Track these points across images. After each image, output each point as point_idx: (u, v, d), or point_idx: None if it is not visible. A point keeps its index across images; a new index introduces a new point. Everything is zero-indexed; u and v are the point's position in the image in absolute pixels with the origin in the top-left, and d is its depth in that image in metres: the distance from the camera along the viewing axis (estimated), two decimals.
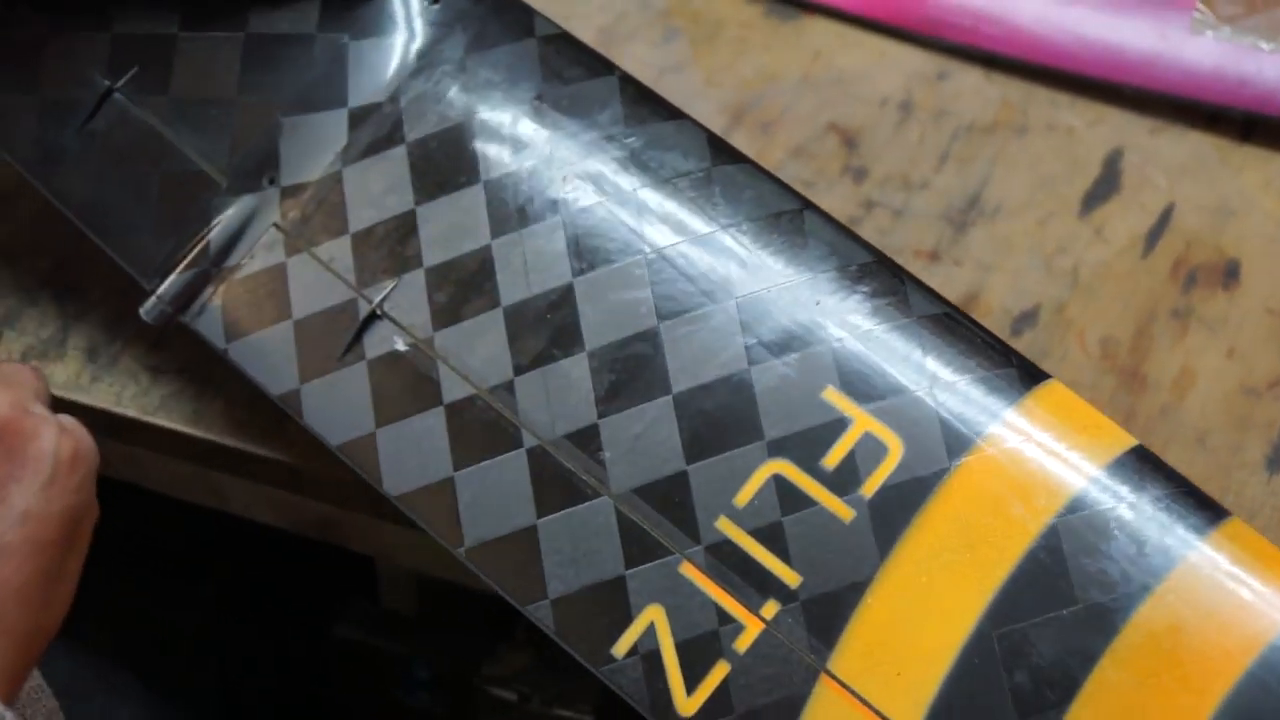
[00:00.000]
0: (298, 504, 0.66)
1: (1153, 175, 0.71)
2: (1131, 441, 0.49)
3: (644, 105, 0.57)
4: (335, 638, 0.88)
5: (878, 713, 0.48)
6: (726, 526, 0.51)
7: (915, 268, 0.63)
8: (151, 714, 0.71)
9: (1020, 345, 0.62)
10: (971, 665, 0.48)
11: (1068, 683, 0.47)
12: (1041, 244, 0.69)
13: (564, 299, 0.55)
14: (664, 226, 0.55)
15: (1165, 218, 0.70)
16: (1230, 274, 0.68)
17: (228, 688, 0.91)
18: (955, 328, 0.52)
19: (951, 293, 0.65)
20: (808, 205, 0.55)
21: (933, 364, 0.51)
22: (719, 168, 0.55)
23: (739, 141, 0.71)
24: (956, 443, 0.50)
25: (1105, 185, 0.72)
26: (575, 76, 0.58)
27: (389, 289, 0.57)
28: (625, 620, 0.51)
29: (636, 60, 0.76)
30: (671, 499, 0.52)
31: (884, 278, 0.53)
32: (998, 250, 0.69)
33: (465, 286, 0.56)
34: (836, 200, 0.70)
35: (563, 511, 0.53)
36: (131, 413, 0.66)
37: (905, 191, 0.71)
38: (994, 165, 0.72)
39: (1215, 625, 0.46)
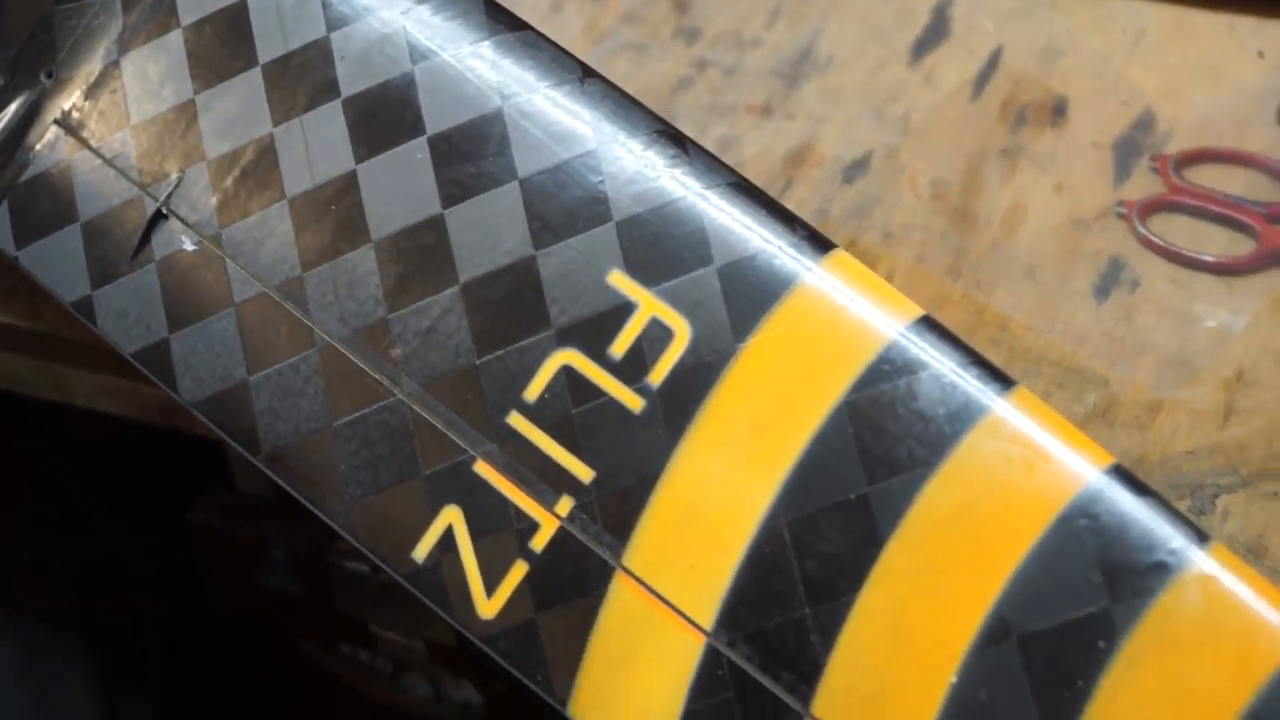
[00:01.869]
0: (138, 391, 0.65)
1: (981, 21, 0.69)
2: (918, 311, 0.47)
3: None
4: (191, 525, 0.88)
5: (672, 607, 0.47)
6: (518, 422, 0.50)
7: (747, 123, 0.62)
8: (6, 624, 0.71)
9: (852, 193, 0.61)
10: (763, 555, 0.47)
11: (858, 569, 0.46)
12: (872, 93, 0.67)
13: (347, 188, 0.53)
14: (442, 106, 0.52)
15: (994, 61, 0.68)
16: (1058, 112, 0.66)
17: (89, 589, 0.91)
18: (743, 198, 0.49)
19: (783, 145, 0.63)
20: (589, 74, 0.52)
21: (718, 240, 0.49)
22: (497, 38, 0.52)
23: (571, 9, 0.69)
24: (743, 323, 0.48)
25: (934, 33, 0.70)
26: None
27: (173, 185, 0.55)
28: (424, 523, 0.50)
29: None
30: (464, 395, 0.50)
31: (669, 148, 0.50)
32: (829, 102, 0.68)
33: (249, 178, 0.54)
34: (669, 62, 0.69)
35: (357, 413, 0.51)
36: None
37: (737, 50, 0.69)
38: (825, 19, 0.70)
39: (1002, 500, 0.45)
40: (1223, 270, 0.62)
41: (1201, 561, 0.44)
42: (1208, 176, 0.64)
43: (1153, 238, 0.63)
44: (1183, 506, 0.54)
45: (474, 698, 0.75)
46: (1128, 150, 0.64)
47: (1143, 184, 0.63)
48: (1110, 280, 0.62)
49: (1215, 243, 0.62)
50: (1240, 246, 0.62)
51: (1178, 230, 0.62)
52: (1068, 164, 0.64)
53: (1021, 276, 0.60)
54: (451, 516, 0.50)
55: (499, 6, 0.53)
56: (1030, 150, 0.64)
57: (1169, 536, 0.44)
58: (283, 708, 0.91)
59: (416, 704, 0.83)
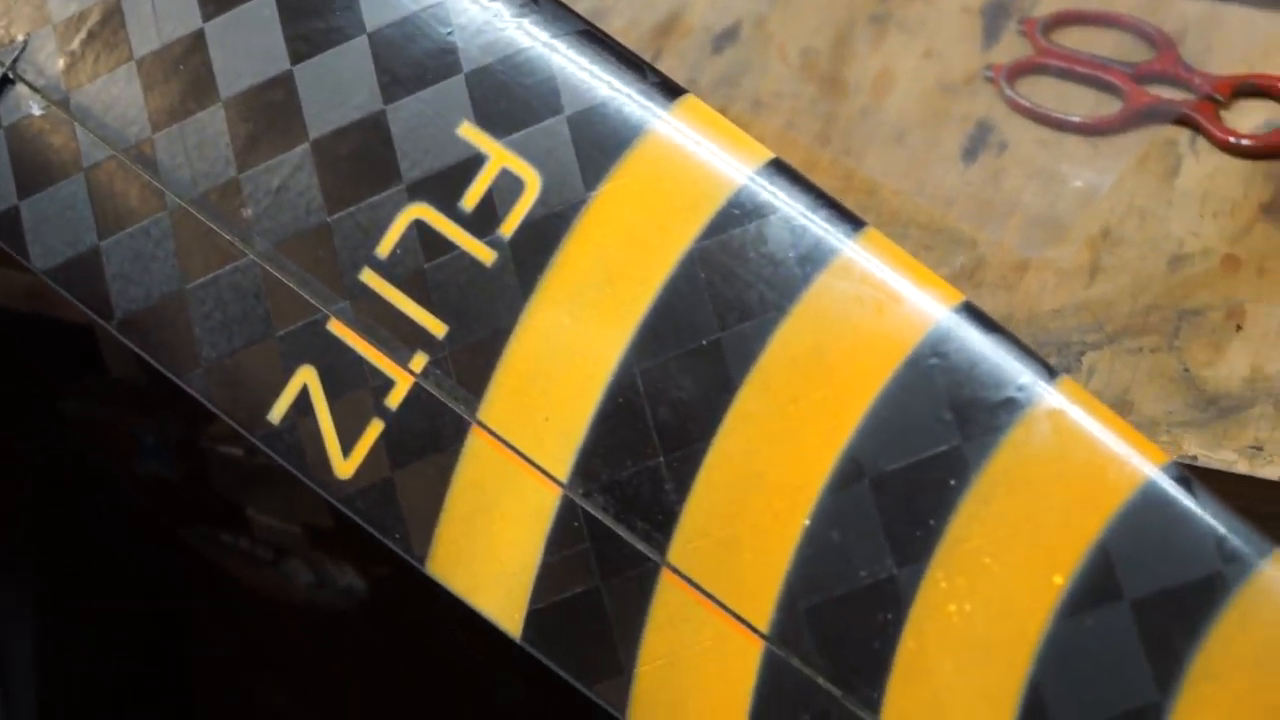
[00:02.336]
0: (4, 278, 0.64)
1: None
2: (768, 155, 0.47)
3: None
4: (63, 414, 0.86)
5: (527, 459, 0.47)
6: (371, 279, 0.49)
7: None
8: None
9: (721, 62, 0.61)
10: (617, 405, 0.46)
11: (711, 416, 0.46)
12: None
13: (195, 47, 0.51)
14: None
15: None
16: None
17: None
18: (592, 46, 0.48)
19: (652, 17, 0.62)
20: None
21: (568, 88, 0.48)
22: None
23: None
24: (593, 172, 0.47)
25: None
26: None
27: (19, 50, 0.53)
28: (279, 384, 0.49)
29: None
30: (316, 253, 0.50)
31: None
32: None
33: (96, 40, 0.53)
34: None
35: (209, 275, 0.50)
36: None
37: None
38: None
39: (854, 342, 0.45)
40: (1090, 131, 0.62)
41: (1050, 396, 0.44)
42: (1075, 39, 0.64)
43: (1020, 100, 0.63)
44: None
45: (357, 583, 0.74)
46: (996, 14, 0.64)
47: (1011, 47, 0.63)
48: (978, 143, 0.61)
49: (1082, 104, 0.62)
50: (1107, 107, 0.62)
51: (1045, 92, 0.62)
52: (936, 29, 0.63)
53: (890, 141, 0.60)
54: (306, 377, 0.49)
55: None
56: (899, 16, 0.64)
57: (1018, 373, 0.44)
58: (164, 599, 0.90)
59: (299, 591, 0.82)
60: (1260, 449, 0.53)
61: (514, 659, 0.47)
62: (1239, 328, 0.56)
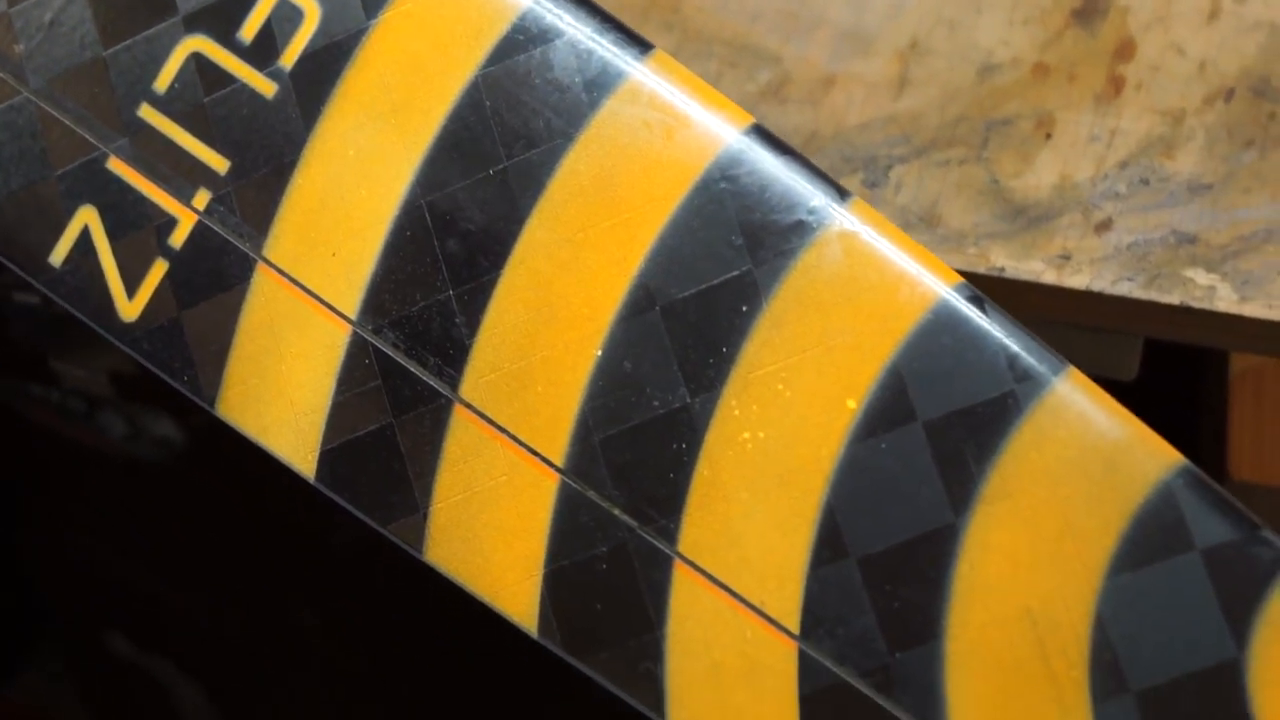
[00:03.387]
0: None
1: None
2: None
3: None
4: None
5: (315, 296, 0.45)
6: (150, 115, 0.47)
7: None
8: None
9: None
10: (404, 238, 0.45)
11: (499, 247, 0.44)
12: None
13: None
14: None
15: None
16: None
17: None
18: None
19: None
20: None
21: None
22: None
23: None
24: None
25: None
26: None
27: None
28: (59, 226, 0.48)
29: None
30: (92, 90, 0.47)
31: None
32: None
33: None
34: None
35: None
36: None
37: None
38: None
39: (642, 167, 0.44)
40: None
41: (841, 218, 0.43)
42: None
43: None
44: (856, 180, 0.53)
45: (173, 432, 0.73)
46: None
47: None
48: None
49: None
50: None
51: None
52: None
53: None
54: (87, 217, 0.47)
55: None
56: None
57: (809, 195, 0.43)
58: None
59: (115, 444, 0.81)
60: (1068, 258, 0.52)
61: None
62: (1048, 136, 0.55)
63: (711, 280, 0.43)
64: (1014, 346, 0.42)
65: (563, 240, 0.44)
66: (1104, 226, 0.54)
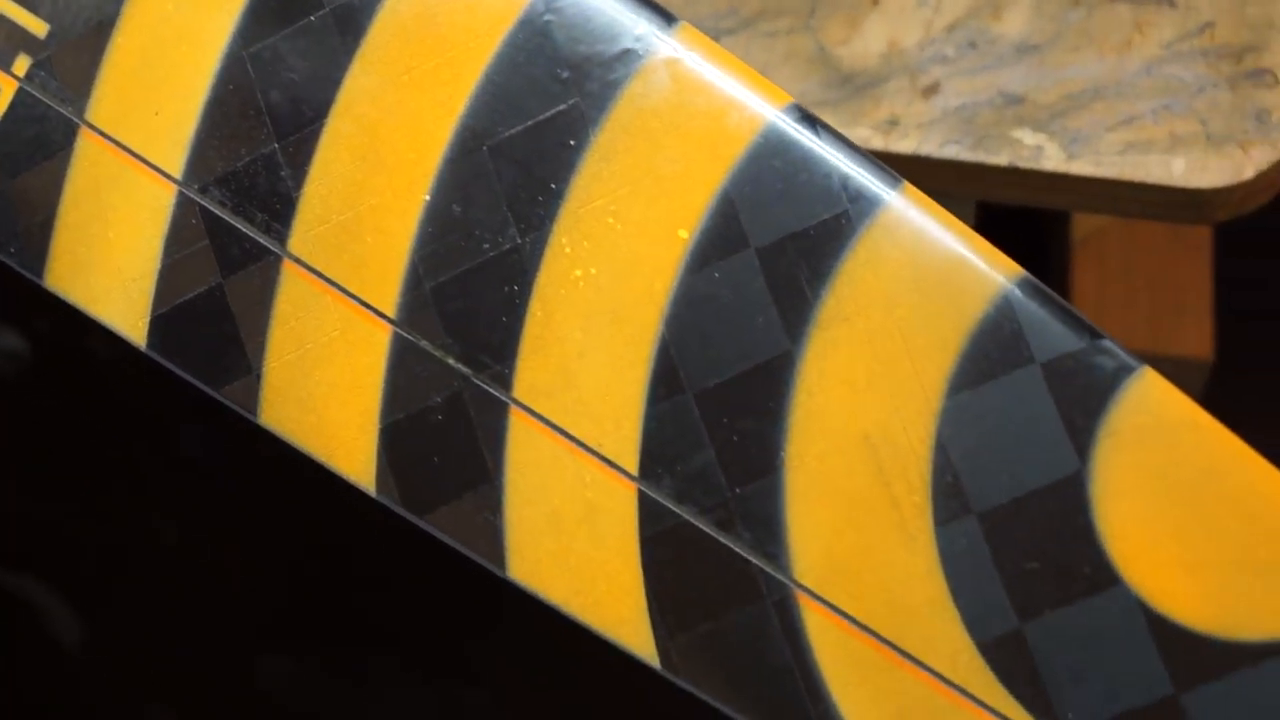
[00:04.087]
0: None
1: None
2: None
3: None
4: None
5: (138, 158, 0.44)
6: None
7: None
8: None
9: None
10: (227, 91, 0.44)
11: (323, 95, 0.43)
12: None
13: None
14: None
15: None
16: None
17: None
18: None
19: None
20: None
21: None
22: None
23: None
24: None
25: None
26: None
27: None
28: None
29: None
30: None
31: None
32: None
33: None
34: None
35: None
36: None
37: None
38: None
39: (464, 4, 0.42)
40: None
41: (667, 45, 0.41)
42: None
43: None
44: None
45: (18, 344, 0.71)
46: None
47: None
48: None
49: None
50: None
51: None
52: None
53: None
54: None
55: None
56: None
57: (634, 23, 0.42)
58: None
59: None
60: (896, 124, 0.51)
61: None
62: (875, 3, 0.54)
63: (538, 116, 0.42)
64: (847, 166, 0.41)
65: (386, 84, 0.43)
66: (931, 91, 0.53)
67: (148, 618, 0.66)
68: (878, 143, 0.53)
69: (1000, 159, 0.52)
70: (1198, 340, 0.78)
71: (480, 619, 0.63)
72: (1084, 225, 0.82)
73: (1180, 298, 0.80)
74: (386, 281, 0.43)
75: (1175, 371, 0.78)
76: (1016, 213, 0.55)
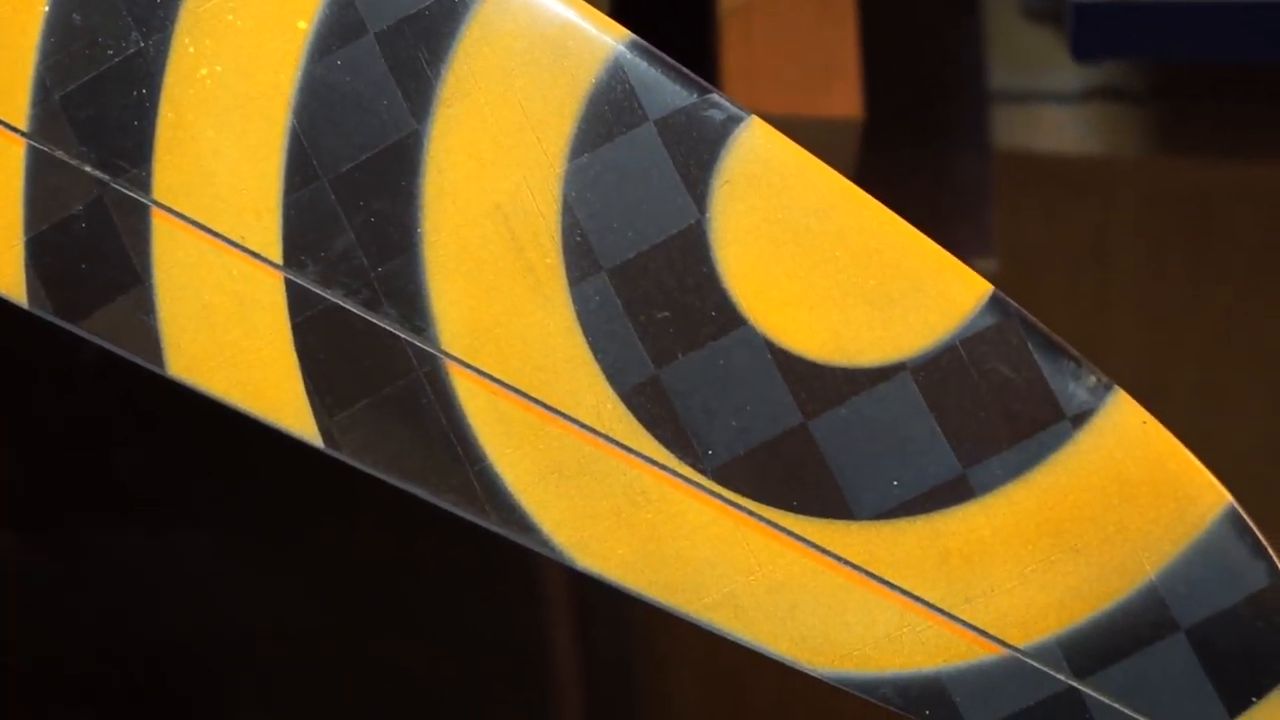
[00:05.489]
0: None
1: None
2: None
3: None
4: None
5: None
6: None
7: None
8: None
9: None
10: None
11: None
12: None
13: None
14: None
15: None
16: None
17: None
18: None
19: None
20: None
21: None
22: None
23: None
24: None
25: None
26: None
27: None
28: None
29: None
30: None
31: None
32: None
33: None
34: None
35: None
36: None
37: None
38: None
39: None
40: None
41: None
42: None
43: None
44: None
45: None
46: None
47: None
48: None
49: None
50: None
51: None
52: None
53: None
54: None
55: None
56: None
57: None
58: None
59: None
60: None
61: None
62: None
63: None
64: None
65: None
66: None
67: None
68: None
69: None
70: (847, 101, 0.81)
71: None
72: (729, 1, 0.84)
73: (828, 61, 0.82)
74: (15, 96, 0.43)
75: (828, 132, 0.81)
76: None
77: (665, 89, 0.42)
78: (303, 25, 0.42)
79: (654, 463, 0.42)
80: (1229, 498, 0.41)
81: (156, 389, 0.47)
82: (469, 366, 0.42)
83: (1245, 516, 0.41)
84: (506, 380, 0.42)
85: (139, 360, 0.43)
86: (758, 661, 0.42)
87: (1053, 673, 0.42)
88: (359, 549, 1.00)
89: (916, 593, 0.42)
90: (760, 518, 0.42)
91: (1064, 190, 1.04)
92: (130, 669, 1.01)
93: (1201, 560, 0.41)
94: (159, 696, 1.03)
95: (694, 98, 0.42)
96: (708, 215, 0.41)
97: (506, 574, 1.01)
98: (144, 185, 0.43)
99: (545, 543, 0.43)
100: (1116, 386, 0.41)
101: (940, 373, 0.41)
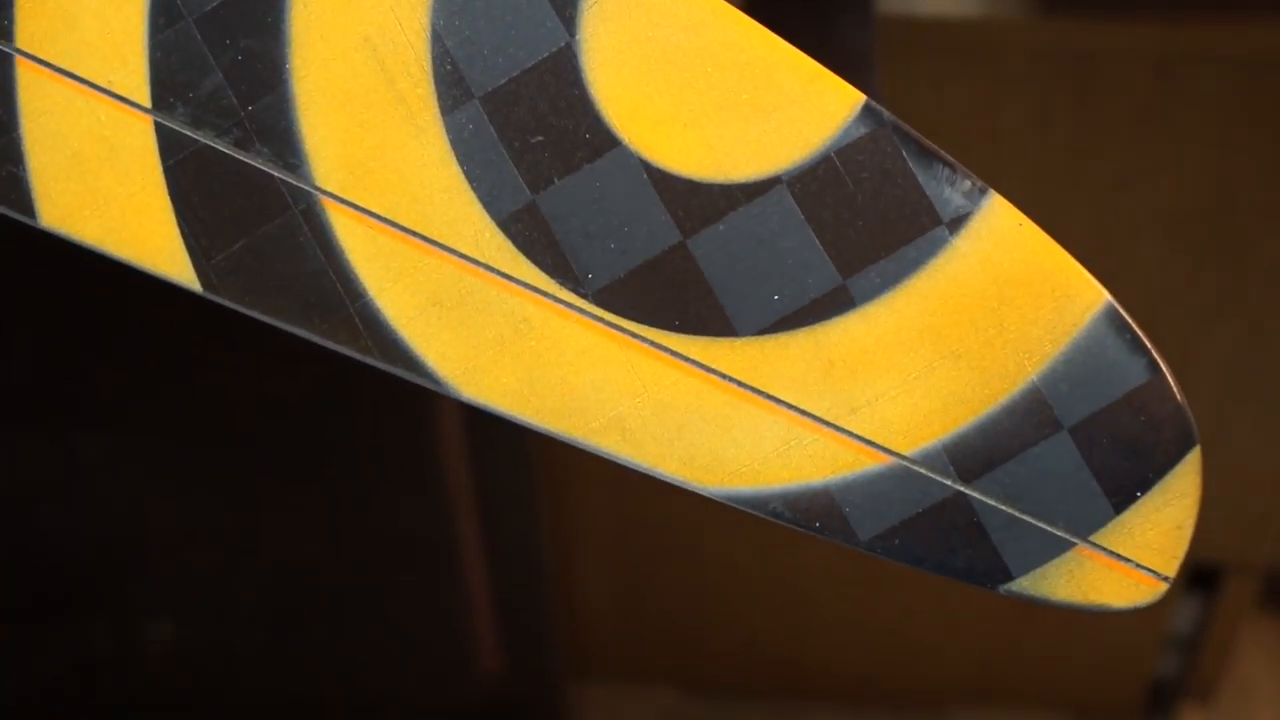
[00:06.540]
0: None
1: None
2: None
3: None
4: None
5: None
6: None
7: None
8: None
9: None
10: None
11: None
12: None
13: None
14: None
15: None
16: None
17: None
18: None
19: None
20: None
21: None
22: None
23: None
24: None
25: None
26: None
27: None
28: None
29: None
30: None
31: None
32: None
33: None
34: None
35: None
36: None
37: None
38: None
39: None
40: None
41: None
42: None
43: None
44: None
45: None
46: None
47: None
48: None
49: None
50: None
51: None
52: None
53: None
54: None
55: None
56: None
57: None
58: None
59: None
60: None
61: None
62: None
63: None
64: None
65: None
66: None
67: None
68: None
69: None
70: None
71: None
72: None
73: None
74: None
75: None
76: None
77: None
78: None
79: (535, 289, 0.42)
80: (1106, 295, 0.41)
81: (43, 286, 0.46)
82: (344, 201, 0.42)
83: (1124, 313, 0.41)
84: (383, 214, 0.42)
85: (11, 214, 0.43)
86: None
87: (939, 478, 0.42)
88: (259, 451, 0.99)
89: (802, 406, 0.42)
90: (643, 339, 0.42)
91: (950, 57, 1.04)
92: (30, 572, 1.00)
93: (1082, 359, 0.41)
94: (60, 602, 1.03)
95: None
96: (578, 37, 0.41)
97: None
98: (7, 34, 0.42)
99: (430, 376, 0.42)
100: (991, 190, 0.41)
101: (816, 184, 0.41)
